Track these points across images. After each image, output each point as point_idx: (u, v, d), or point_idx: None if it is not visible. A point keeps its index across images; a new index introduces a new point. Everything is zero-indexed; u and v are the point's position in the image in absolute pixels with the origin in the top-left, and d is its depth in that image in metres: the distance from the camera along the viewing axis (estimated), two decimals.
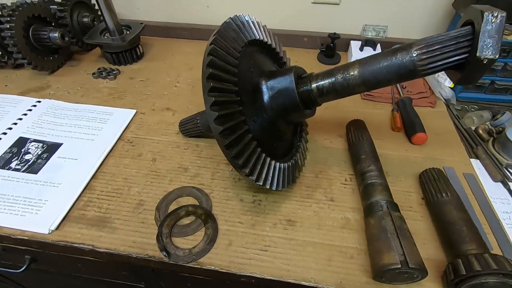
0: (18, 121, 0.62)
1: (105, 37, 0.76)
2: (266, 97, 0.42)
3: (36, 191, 0.50)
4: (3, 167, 0.53)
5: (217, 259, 0.42)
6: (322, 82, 0.40)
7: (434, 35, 0.33)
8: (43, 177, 0.52)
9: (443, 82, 0.69)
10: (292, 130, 0.53)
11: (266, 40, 0.48)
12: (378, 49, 0.76)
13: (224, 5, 0.83)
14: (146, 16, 0.89)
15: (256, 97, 0.42)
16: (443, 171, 0.50)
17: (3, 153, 0.56)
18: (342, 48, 0.82)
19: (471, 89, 0.70)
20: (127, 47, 0.76)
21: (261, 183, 0.41)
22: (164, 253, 0.43)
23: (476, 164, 0.56)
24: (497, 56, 0.28)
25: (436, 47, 0.32)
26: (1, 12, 0.67)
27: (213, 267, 0.42)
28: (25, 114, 0.64)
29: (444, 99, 0.69)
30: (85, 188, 0.51)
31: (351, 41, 0.80)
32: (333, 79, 0.39)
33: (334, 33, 0.77)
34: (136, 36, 0.76)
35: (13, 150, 0.56)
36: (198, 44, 0.88)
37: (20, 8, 0.66)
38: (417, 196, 0.50)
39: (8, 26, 0.65)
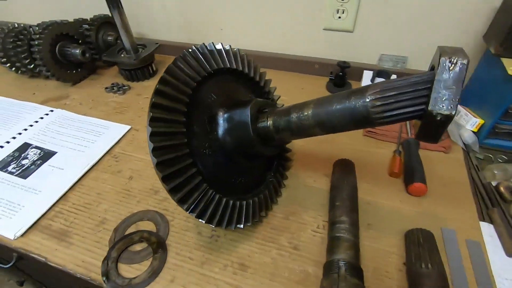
0: (28, 127, 0.68)
1: (121, 55, 0.81)
2: (221, 129, 0.40)
3: (19, 196, 0.53)
4: (1, 169, 0.58)
5: None
6: (278, 120, 0.37)
7: (395, 79, 0.27)
8: (30, 183, 0.55)
9: (464, 125, 0.59)
10: (263, 164, 0.49)
11: (240, 69, 0.46)
12: None
13: (237, 28, 0.84)
14: (166, 35, 0.94)
15: (211, 128, 0.40)
16: (433, 235, 0.41)
17: (6, 156, 0.61)
18: (355, 77, 0.77)
19: (501, 135, 0.59)
20: (138, 65, 0.80)
21: (204, 220, 0.38)
22: (104, 278, 0.42)
23: (487, 229, 0.45)
24: (453, 112, 0.22)
25: (391, 93, 0.26)
26: (34, 30, 0.76)
27: None
28: (36, 122, 0.70)
29: (464, 144, 0.58)
30: (60, 198, 0.53)
31: (364, 71, 0.73)
32: (289, 117, 0.35)
33: (344, 62, 0.72)
34: (148, 55, 0.80)
35: (15, 154, 0.62)
36: None
37: (50, 27, 0.74)
38: (398, 260, 0.42)
39: (36, 42, 0.73)
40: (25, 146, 0.63)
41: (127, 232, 0.47)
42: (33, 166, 0.59)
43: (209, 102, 0.41)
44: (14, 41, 0.79)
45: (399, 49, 0.72)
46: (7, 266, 0.62)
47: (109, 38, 0.86)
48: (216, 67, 0.42)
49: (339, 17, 0.71)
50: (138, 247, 0.46)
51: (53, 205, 0.52)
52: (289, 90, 0.76)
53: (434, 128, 0.23)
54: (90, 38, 0.83)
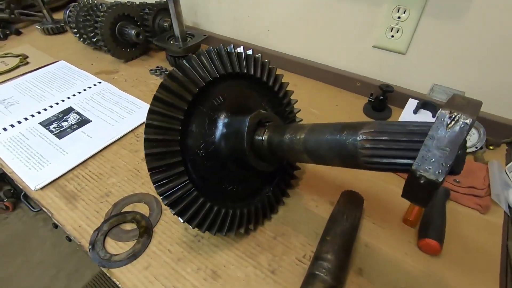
0: (77, 94, 0.76)
1: (170, 42, 0.85)
2: (219, 133, 0.39)
3: (51, 153, 0.60)
4: (45, 126, 0.66)
5: (124, 276, 0.42)
6: (273, 137, 0.35)
7: (393, 122, 0.23)
8: (62, 143, 0.62)
9: None
10: (263, 177, 0.47)
11: (257, 75, 0.44)
12: None
13: (284, 32, 0.82)
14: (218, 28, 0.96)
15: (210, 130, 0.40)
16: None
17: (52, 115, 0.69)
18: (398, 103, 0.69)
19: None
20: (183, 53, 0.83)
21: (183, 220, 0.38)
22: (90, 247, 0.45)
23: None
24: (440, 179, 0.18)
25: (384, 137, 0.22)
26: (100, 8, 0.84)
27: (114, 280, 0.41)
28: (85, 90, 0.77)
29: (509, 208, 0.49)
30: (80, 163, 0.58)
31: (410, 99, 0.66)
32: (283, 137, 0.33)
33: (387, 86, 0.65)
34: (193, 45, 0.83)
35: (59, 115, 0.69)
36: None
37: (114, 7, 0.81)
38: None
39: (99, 19, 0.80)
40: (69, 110, 0.71)
41: (123, 210, 0.50)
42: (69, 129, 0.65)
43: (214, 105, 0.40)
44: (84, 15, 0.88)
45: (456, 82, 0.63)
46: (36, 210, 0.71)
47: (165, 23, 0.91)
48: (231, 70, 0.41)
49: (392, 36, 0.64)
50: (128, 226, 0.48)
51: (73, 168, 0.57)
52: (323, 104, 0.72)
53: (418, 190, 0.19)
54: (148, 21, 0.89)
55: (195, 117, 0.39)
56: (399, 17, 0.62)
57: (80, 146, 0.61)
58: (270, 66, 0.47)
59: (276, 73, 0.48)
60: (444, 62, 0.62)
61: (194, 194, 0.38)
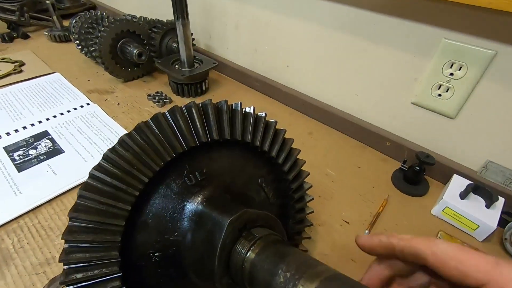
0: (59, 115, 0.66)
1: (175, 66, 0.75)
2: (185, 229, 0.27)
3: (1, 190, 0.49)
4: (8, 152, 0.56)
5: None
6: (261, 263, 0.22)
7: None
8: (20, 179, 0.51)
9: None
10: None
11: (256, 144, 0.32)
12: (497, 208, 0.46)
13: (305, 70, 0.70)
14: (231, 56, 0.86)
15: (174, 225, 0.27)
16: None
17: (21, 140, 0.59)
18: (439, 176, 0.55)
19: None
20: (185, 82, 0.73)
21: None
22: None
23: None
24: None
25: None
26: (105, 21, 0.75)
27: None
28: (69, 111, 0.68)
29: None
30: (31, 210, 0.47)
31: (455, 175, 0.52)
32: (273, 273, 0.20)
33: (427, 155, 0.51)
34: (199, 73, 0.73)
35: (30, 140, 0.59)
36: (264, 99, 0.78)
37: (118, 23, 0.73)
38: None
39: (100, 34, 0.71)
40: (43, 135, 0.61)
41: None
42: (34, 160, 0.55)
43: (186, 185, 0.28)
44: (88, 27, 0.80)
45: None
46: None
47: (173, 44, 0.82)
48: (227, 137, 0.29)
49: (439, 95, 0.51)
50: None
51: (21, 215, 0.46)
52: (341, 163, 0.59)
53: None
54: (155, 40, 0.80)
55: (153, 201, 0.27)
56: (451, 74, 0.48)
57: (39, 184, 0.50)
58: (277, 133, 0.34)
59: (284, 136, 0.36)
60: (503, 136, 0.48)
61: None
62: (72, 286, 0.23)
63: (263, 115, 0.34)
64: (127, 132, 0.27)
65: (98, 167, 0.25)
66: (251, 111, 0.33)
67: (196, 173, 0.29)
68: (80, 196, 0.24)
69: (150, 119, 0.28)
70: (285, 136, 0.36)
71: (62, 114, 0.67)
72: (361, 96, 0.63)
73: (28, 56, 0.91)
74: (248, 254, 0.23)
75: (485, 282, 0.17)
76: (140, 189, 0.25)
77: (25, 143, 0.59)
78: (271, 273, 0.21)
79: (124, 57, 0.78)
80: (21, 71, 0.83)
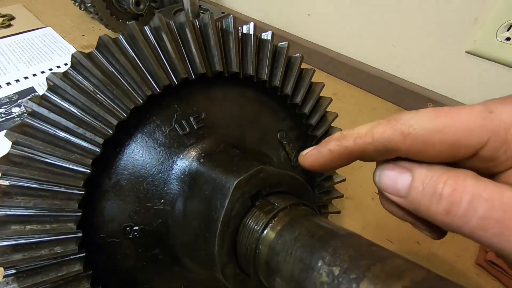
0: (47, 71, 0.59)
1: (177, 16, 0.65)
2: (176, 195, 0.19)
3: None
4: None
5: None
6: (285, 248, 0.14)
7: None
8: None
9: None
10: None
11: (275, 83, 0.23)
12: None
13: (330, 18, 0.59)
14: (241, 6, 0.74)
15: (159, 188, 0.19)
16: None
17: (5, 96, 0.52)
18: None
19: None
20: None
21: None
22: None
23: None
24: None
25: None
26: None
27: None
28: (59, 67, 0.60)
29: None
30: None
31: None
32: (310, 267, 0.12)
33: None
34: None
35: (14, 97, 0.52)
36: None
37: None
38: None
39: None
40: (28, 92, 0.53)
41: None
42: (17, 119, 0.48)
43: (175, 135, 0.20)
44: None
45: None
46: None
47: None
48: (220, 68, 0.20)
49: (507, 39, 0.40)
50: None
51: None
52: None
53: None
54: None
55: (129, 155, 0.19)
56: None
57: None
58: (300, 68, 0.25)
59: (312, 80, 0.27)
60: None
61: None
62: (10, 270, 0.16)
63: (285, 46, 0.24)
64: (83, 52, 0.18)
65: (40, 101, 0.17)
66: (269, 37, 0.23)
67: (191, 118, 0.20)
68: (16, 144, 0.17)
69: (122, 35, 0.19)
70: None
71: (51, 69, 0.59)
72: (399, 48, 0.52)
73: (19, 10, 0.82)
74: (265, 232, 0.15)
75: (483, 142, 0.12)
76: (107, 135, 0.17)
77: (8, 100, 0.51)
78: (304, 266, 0.13)
79: (120, 7, 0.68)
80: (9, 25, 0.75)
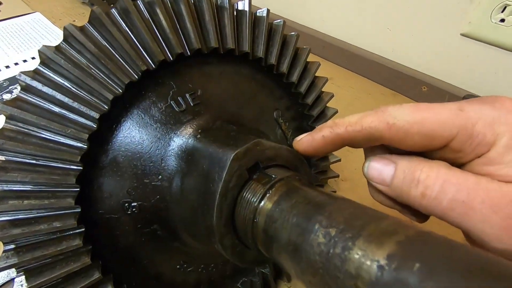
0: (37, 57, 0.57)
1: None
2: (173, 170, 0.19)
3: None
4: None
5: None
6: (283, 216, 0.14)
7: None
8: None
9: None
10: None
11: (271, 61, 0.23)
12: None
13: (324, 3, 0.58)
14: None
15: (157, 165, 0.19)
16: None
17: None
18: None
19: None
20: None
21: None
22: None
23: None
24: None
25: None
26: None
27: None
28: None
29: None
30: None
31: None
32: (308, 231, 0.12)
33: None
34: None
35: (4, 83, 0.51)
36: None
37: None
38: None
39: None
40: None
41: None
42: None
43: (172, 112, 0.20)
44: None
45: None
46: None
47: None
48: (215, 44, 0.20)
49: (502, 20, 0.40)
50: None
51: None
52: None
53: None
54: None
55: (126, 131, 0.19)
56: None
57: None
58: (295, 45, 0.25)
59: (308, 60, 0.27)
60: None
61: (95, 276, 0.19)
62: (10, 245, 0.16)
63: (281, 23, 0.24)
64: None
65: (33, 75, 0.17)
66: (264, 14, 0.23)
67: (187, 95, 0.20)
68: (9, 119, 0.16)
69: (115, 8, 0.18)
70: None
71: None
72: (394, 31, 0.52)
73: None
74: (262, 203, 0.16)
75: (453, 135, 0.14)
76: (103, 110, 0.17)
77: None
78: (301, 230, 0.13)
79: None
80: None
